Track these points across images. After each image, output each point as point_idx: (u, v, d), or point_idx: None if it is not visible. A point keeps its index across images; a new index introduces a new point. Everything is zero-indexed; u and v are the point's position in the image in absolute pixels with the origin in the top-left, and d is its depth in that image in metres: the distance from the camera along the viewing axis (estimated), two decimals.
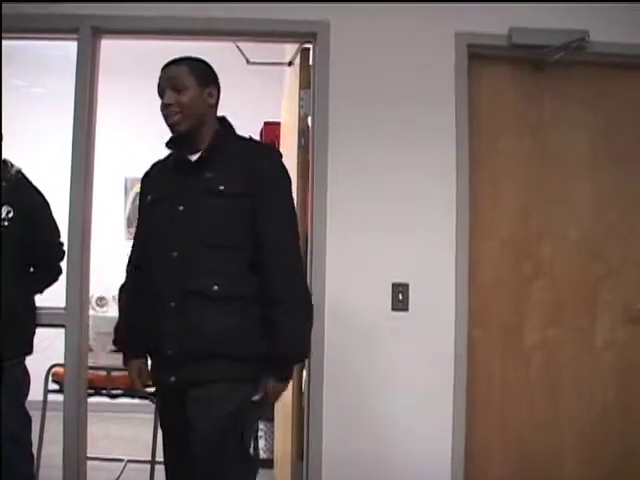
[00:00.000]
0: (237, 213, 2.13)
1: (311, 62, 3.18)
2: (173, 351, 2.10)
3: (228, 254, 2.12)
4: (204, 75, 2.23)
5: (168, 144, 2.26)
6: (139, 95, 5.40)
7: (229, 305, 2.10)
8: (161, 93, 2.20)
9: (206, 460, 2.06)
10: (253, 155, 2.21)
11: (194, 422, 2.07)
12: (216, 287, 2.09)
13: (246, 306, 2.13)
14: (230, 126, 2.28)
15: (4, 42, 3.02)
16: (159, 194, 2.22)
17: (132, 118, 5.41)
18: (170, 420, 2.23)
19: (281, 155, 2.28)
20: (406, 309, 3.05)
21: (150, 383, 2.31)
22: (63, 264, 2.93)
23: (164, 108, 2.18)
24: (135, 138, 5.29)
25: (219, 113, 2.29)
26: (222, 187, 2.12)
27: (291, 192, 2.29)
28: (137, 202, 2.45)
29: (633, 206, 3.22)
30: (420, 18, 3.11)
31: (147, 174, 2.37)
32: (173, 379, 2.11)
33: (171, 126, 2.19)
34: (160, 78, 2.21)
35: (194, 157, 2.19)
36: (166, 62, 2.25)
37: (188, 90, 2.17)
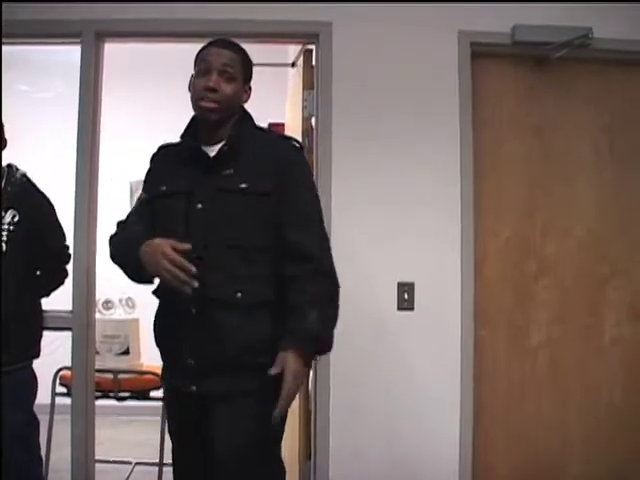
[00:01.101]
0: (260, 212, 2.01)
1: (314, 63, 3.19)
2: (195, 361, 2.01)
3: (251, 257, 2.00)
4: (250, 71, 2.15)
5: (184, 136, 2.14)
6: (143, 98, 5.48)
7: (255, 312, 1.99)
8: (205, 71, 2.05)
9: (238, 478, 2.00)
10: (276, 150, 2.09)
11: (222, 439, 1.99)
12: (239, 294, 1.98)
13: (273, 312, 2.02)
14: (250, 117, 2.17)
15: (8, 48, 3.04)
16: (174, 187, 2.06)
17: (136, 121, 5.42)
18: (184, 430, 2.13)
19: (303, 147, 2.20)
20: (412, 308, 3.05)
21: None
22: (69, 267, 2.94)
23: (204, 90, 2.03)
24: (140, 142, 5.28)
25: None
26: (244, 185, 2.00)
27: (316, 190, 2.21)
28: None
29: (637, 204, 3.22)
30: (422, 17, 3.11)
31: (156, 155, 2.23)
32: (194, 388, 2.02)
33: (203, 110, 2.04)
34: (210, 54, 2.07)
35: (212, 151, 2.06)
36: (219, 39, 2.13)
37: (235, 83, 2.06)
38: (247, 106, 2.19)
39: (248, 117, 2.16)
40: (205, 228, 2.01)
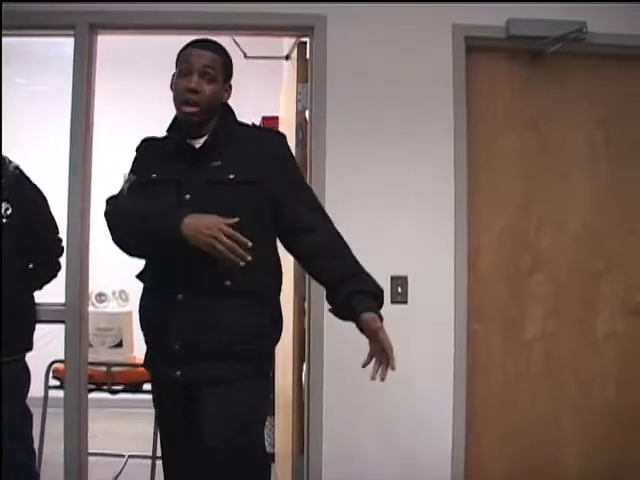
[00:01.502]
0: (248, 202, 2.04)
1: (308, 56, 3.18)
2: (181, 347, 2.02)
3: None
4: (230, 70, 2.17)
5: (169, 130, 2.16)
6: (137, 91, 5.46)
7: (244, 300, 2.03)
8: (186, 72, 2.07)
9: (225, 464, 2.00)
10: (261, 141, 2.15)
11: (209, 425, 2.01)
12: (229, 282, 2.01)
13: (263, 300, 2.07)
14: (232, 112, 2.19)
15: (3, 39, 3.02)
16: (163, 176, 2.09)
17: (130, 114, 5.41)
18: (171, 417, 2.16)
19: (285, 137, 2.24)
20: (405, 302, 3.05)
21: None
22: (62, 260, 2.93)
23: (186, 91, 2.05)
24: (133, 134, 5.27)
25: None
26: (232, 175, 2.03)
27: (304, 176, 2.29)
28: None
29: (632, 198, 3.22)
30: (417, 11, 3.09)
31: (140, 146, 2.24)
32: (178, 373, 2.03)
33: (185, 113, 2.07)
34: (191, 56, 2.08)
35: (197, 143, 2.10)
36: (199, 39, 2.15)
37: (215, 83, 2.09)
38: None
39: (230, 112, 2.20)
40: None
